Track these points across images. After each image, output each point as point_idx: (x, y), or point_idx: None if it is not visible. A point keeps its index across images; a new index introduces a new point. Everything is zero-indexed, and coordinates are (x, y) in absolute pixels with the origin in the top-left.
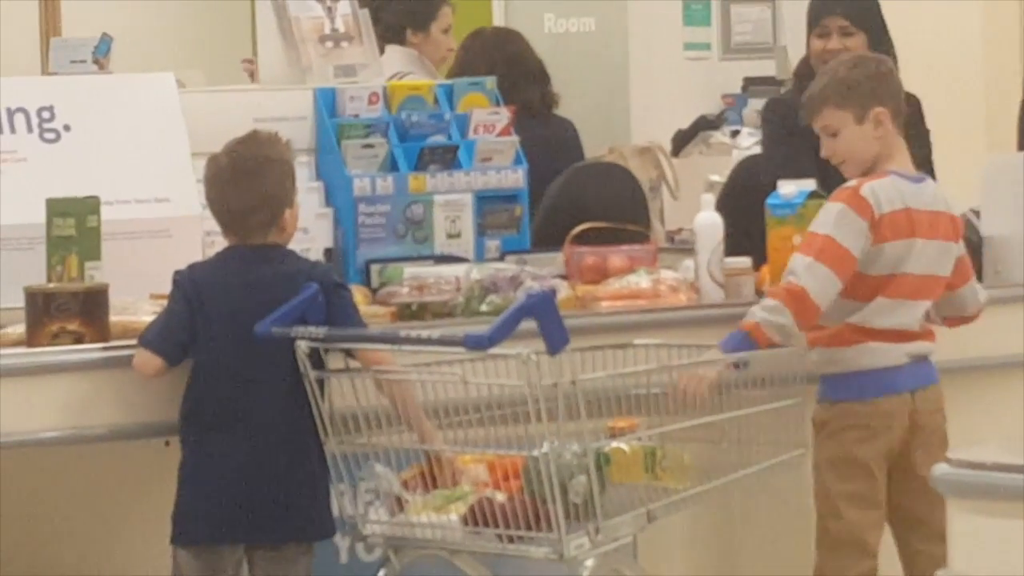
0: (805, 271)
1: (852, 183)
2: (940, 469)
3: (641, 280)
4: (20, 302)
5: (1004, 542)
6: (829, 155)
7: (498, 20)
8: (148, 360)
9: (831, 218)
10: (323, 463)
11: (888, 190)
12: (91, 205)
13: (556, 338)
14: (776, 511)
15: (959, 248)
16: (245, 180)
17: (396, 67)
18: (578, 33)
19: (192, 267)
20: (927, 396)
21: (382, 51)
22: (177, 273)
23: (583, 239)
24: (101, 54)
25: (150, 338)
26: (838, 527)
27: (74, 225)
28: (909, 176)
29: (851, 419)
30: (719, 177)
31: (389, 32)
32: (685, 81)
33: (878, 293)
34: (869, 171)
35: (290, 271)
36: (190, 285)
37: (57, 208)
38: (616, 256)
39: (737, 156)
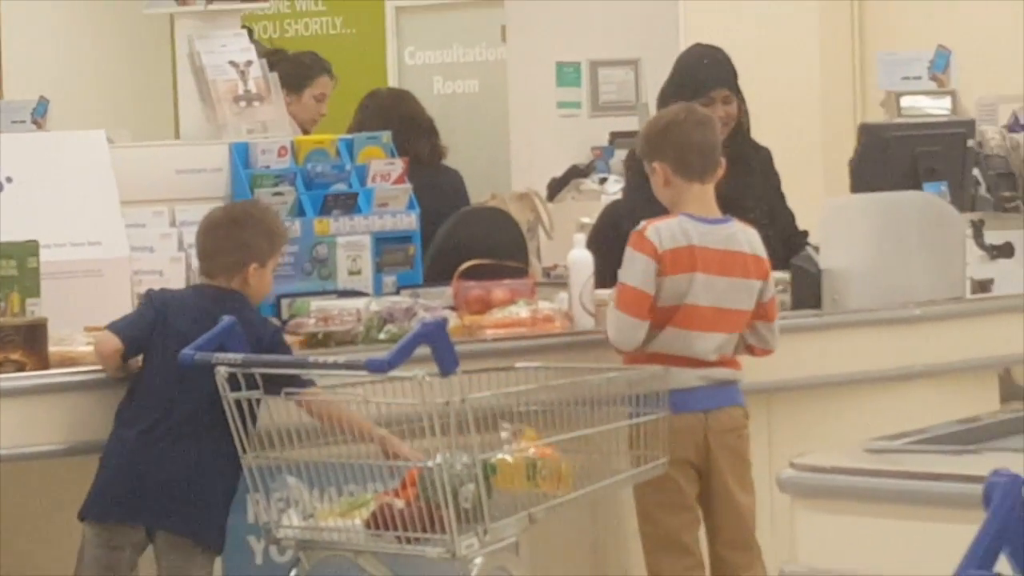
0: (611, 323)
1: (641, 226)
2: (785, 472)
3: (521, 310)
4: None
5: (843, 537)
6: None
7: (392, 82)
8: (110, 340)
9: (625, 265)
10: (225, 481)
11: (672, 229)
12: (31, 248)
13: (448, 361)
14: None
15: (764, 286)
16: (225, 227)
17: None
18: (464, 94)
19: (164, 290)
20: (720, 416)
21: None
22: (150, 290)
23: (469, 275)
24: (39, 115)
25: (117, 325)
26: (656, 532)
27: (16, 266)
28: (702, 218)
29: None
30: (589, 219)
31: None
32: (558, 135)
33: (667, 323)
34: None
35: (224, 305)
36: (159, 301)
37: (1, 251)
38: (499, 289)
39: (604, 200)
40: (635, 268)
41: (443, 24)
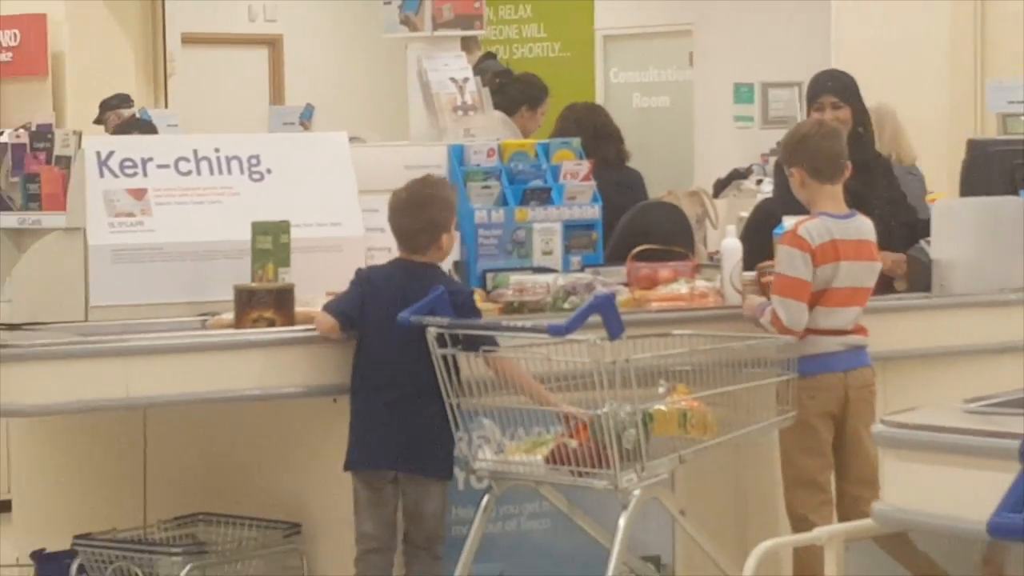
0: (782, 311)
1: (790, 227)
2: (877, 428)
3: (681, 287)
4: (230, 296)
5: (924, 482)
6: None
7: (599, 97)
8: (326, 320)
9: (785, 260)
10: (447, 425)
11: (819, 228)
12: (283, 227)
13: (615, 328)
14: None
15: (879, 267)
16: (416, 208)
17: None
18: (657, 108)
19: (370, 268)
20: (856, 375)
21: None
22: (359, 270)
23: (642, 257)
24: (306, 118)
25: (331, 306)
26: (795, 472)
27: (271, 241)
28: (836, 215)
29: (801, 390)
30: (745, 213)
31: (508, 103)
32: (734, 144)
33: (816, 303)
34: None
35: (435, 277)
36: (365, 279)
37: (259, 228)
38: (664, 270)
39: (758, 198)
40: (795, 262)
41: (642, 50)
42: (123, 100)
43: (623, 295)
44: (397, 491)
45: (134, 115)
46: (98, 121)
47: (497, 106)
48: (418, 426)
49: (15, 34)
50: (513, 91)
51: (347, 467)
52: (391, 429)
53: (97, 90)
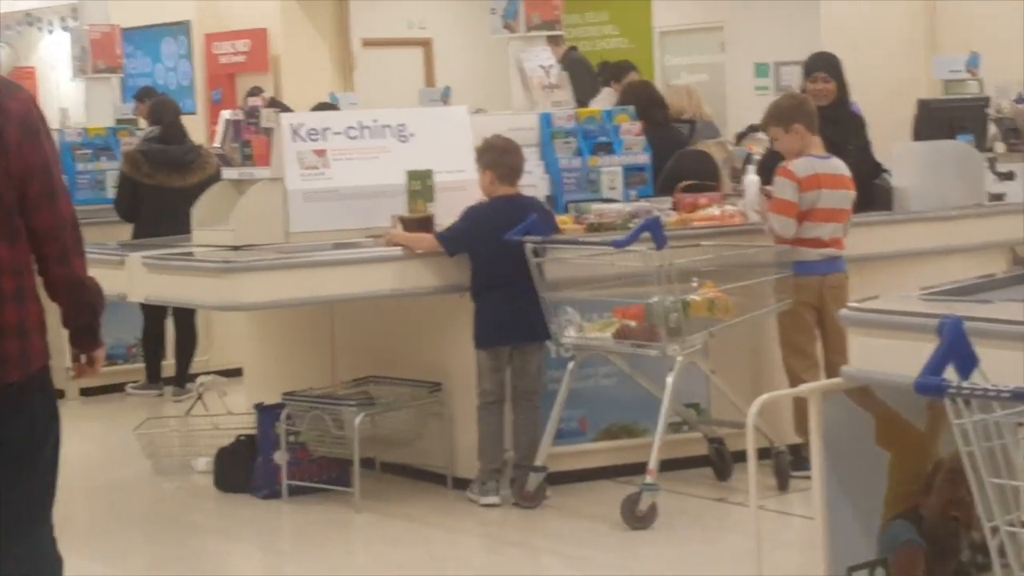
0: (775, 223)
1: (785, 164)
2: (844, 312)
3: (715, 211)
4: (387, 223)
5: (877, 351)
6: (777, 148)
7: (657, 77)
8: (432, 243)
9: (779, 187)
10: (539, 305)
11: (804, 165)
12: (429, 173)
13: (660, 241)
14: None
15: (854, 195)
16: (513, 152)
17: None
18: (699, 83)
19: (481, 202)
20: (831, 278)
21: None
22: (471, 207)
23: (684, 190)
24: (445, 96)
25: (441, 235)
26: (789, 343)
27: (420, 184)
28: (819, 156)
29: (795, 288)
30: (758, 156)
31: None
32: (755, 108)
33: (804, 219)
34: (797, 155)
35: (530, 207)
36: (480, 210)
37: (413, 175)
38: (702, 198)
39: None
40: (786, 189)
41: (687, 41)
42: (259, 90)
43: (671, 217)
44: (508, 357)
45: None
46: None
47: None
48: (524, 311)
49: (247, 42)
50: (613, 67)
51: (478, 345)
52: (507, 316)
53: (303, 81)
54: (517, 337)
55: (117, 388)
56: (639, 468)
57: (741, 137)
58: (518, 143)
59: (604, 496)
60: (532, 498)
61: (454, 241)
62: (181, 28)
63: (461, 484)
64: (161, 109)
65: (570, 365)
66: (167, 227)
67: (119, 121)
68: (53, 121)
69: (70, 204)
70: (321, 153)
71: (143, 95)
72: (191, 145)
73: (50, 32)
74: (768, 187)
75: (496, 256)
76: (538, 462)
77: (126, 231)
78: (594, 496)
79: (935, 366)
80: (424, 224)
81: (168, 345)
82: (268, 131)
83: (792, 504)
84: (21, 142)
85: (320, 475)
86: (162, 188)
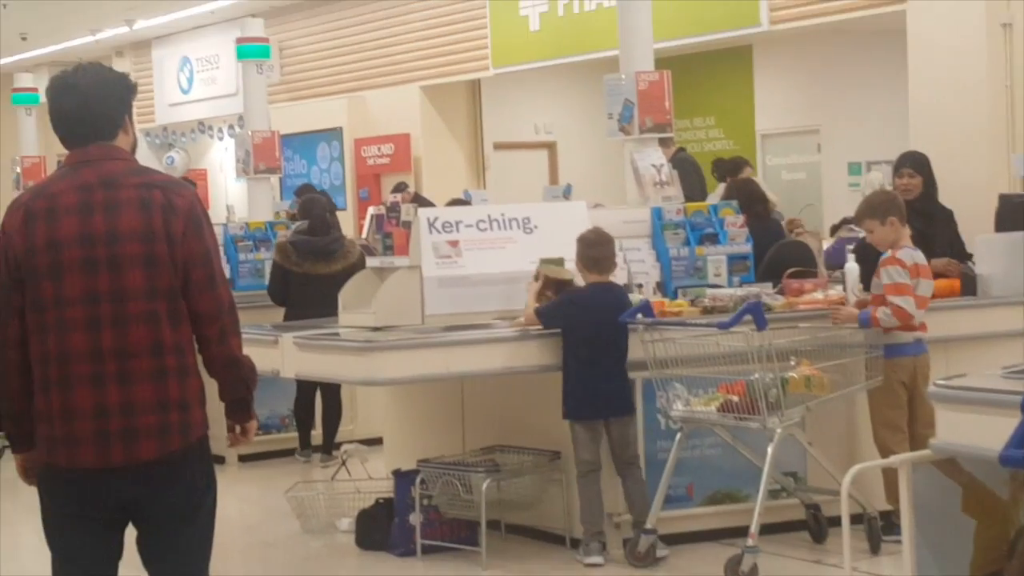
0: (900, 302)
1: (890, 254)
2: (932, 389)
3: (818, 295)
4: (511, 308)
5: (963, 425)
6: (871, 240)
7: (760, 175)
8: (531, 317)
9: (892, 273)
10: (627, 378)
11: (907, 255)
12: (559, 261)
13: (761, 323)
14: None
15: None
16: (603, 244)
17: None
18: (797, 180)
19: (575, 290)
20: (921, 358)
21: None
22: (563, 294)
23: (791, 276)
24: (566, 193)
25: (539, 310)
26: (881, 418)
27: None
28: (911, 247)
29: (886, 365)
30: (851, 247)
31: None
32: (851, 203)
33: None
34: (891, 245)
35: (617, 295)
36: (572, 298)
37: (545, 262)
38: (808, 284)
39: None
40: (901, 275)
41: (787, 142)
42: (404, 185)
43: (779, 301)
44: (603, 428)
45: (419, 197)
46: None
47: (720, 178)
48: (616, 386)
49: (391, 146)
50: (729, 166)
51: (566, 416)
52: (593, 390)
53: (440, 179)
54: (605, 411)
55: (271, 455)
56: (741, 531)
57: (835, 229)
58: (611, 236)
59: (709, 557)
60: (643, 558)
61: (549, 316)
62: (334, 134)
63: (579, 544)
64: (310, 205)
65: (678, 436)
66: (315, 310)
67: (276, 215)
68: (219, 216)
69: (228, 290)
70: (454, 244)
71: (302, 191)
72: (336, 236)
73: (220, 138)
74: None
75: (584, 335)
76: (648, 525)
77: (280, 314)
78: (700, 557)
79: (1018, 439)
80: (560, 286)
81: (317, 416)
82: (407, 224)
83: (883, 567)
84: (186, 233)
85: (451, 535)
86: (309, 275)
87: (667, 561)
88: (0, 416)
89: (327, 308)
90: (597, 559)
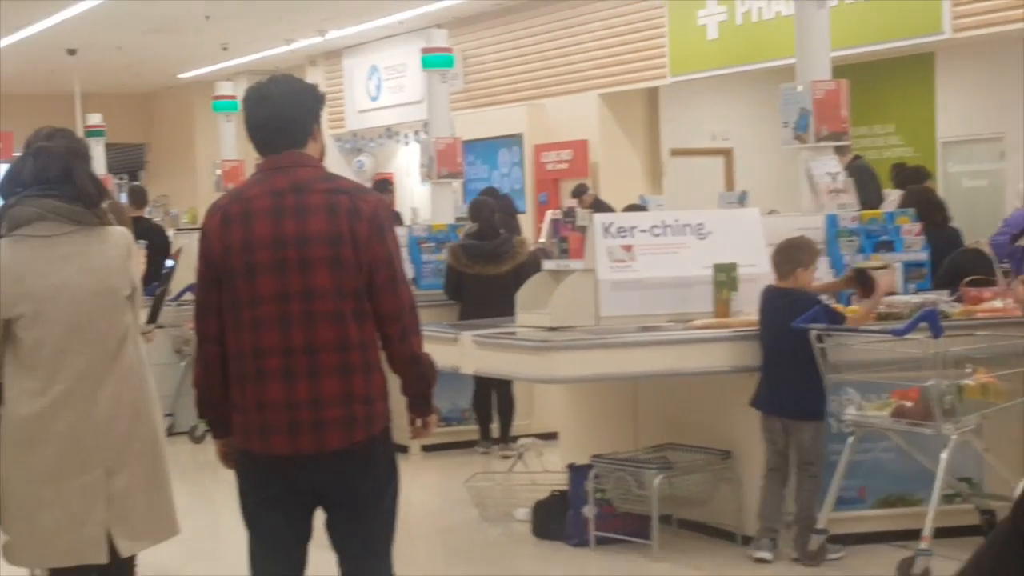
0: None
1: None
2: None
3: (997, 303)
4: (682, 310)
5: None
6: None
7: (940, 182)
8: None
9: None
10: (812, 384)
11: None
12: (734, 266)
13: (937, 330)
14: None
15: None
16: (786, 248)
17: None
18: (978, 187)
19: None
20: None
21: None
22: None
23: (969, 283)
24: (742, 200)
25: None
26: None
27: (726, 275)
28: None
29: None
30: None
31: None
32: None
33: None
34: None
35: (804, 301)
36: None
37: (720, 268)
38: (986, 292)
39: None
40: None
41: (969, 149)
42: (585, 188)
43: (956, 309)
44: (782, 431)
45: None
46: (574, 195)
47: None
48: (796, 389)
49: (570, 152)
50: (911, 174)
51: (751, 402)
52: (775, 388)
53: (617, 184)
54: (783, 410)
55: (452, 446)
56: (913, 534)
57: (1016, 238)
58: (794, 242)
59: (880, 559)
60: (813, 557)
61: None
62: (515, 140)
63: (749, 541)
64: (479, 208)
65: (850, 440)
66: (486, 309)
67: (458, 219)
68: (405, 218)
69: (409, 291)
70: (628, 248)
71: (485, 194)
72: (504, 238)
73: (406, 144)
74: None
75: (776, 339)
76: (819, 525)
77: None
78: (870, 558)
79: None
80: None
81: (494, 409)
82: (583, 229)
83: None
84: (370, 237)
85: (623, 528)
86: (480, 276)
87: (839, 561)
88: (202, 404)
89: (499, 306)
90: (765, 554)
